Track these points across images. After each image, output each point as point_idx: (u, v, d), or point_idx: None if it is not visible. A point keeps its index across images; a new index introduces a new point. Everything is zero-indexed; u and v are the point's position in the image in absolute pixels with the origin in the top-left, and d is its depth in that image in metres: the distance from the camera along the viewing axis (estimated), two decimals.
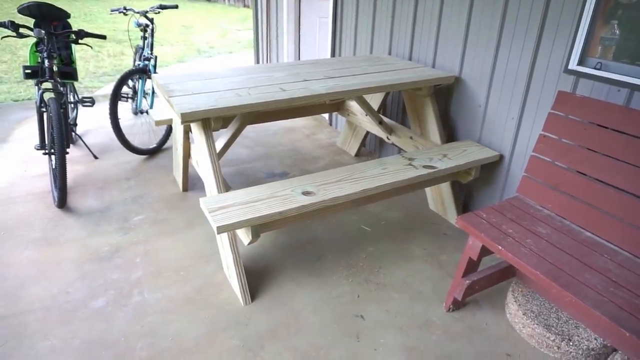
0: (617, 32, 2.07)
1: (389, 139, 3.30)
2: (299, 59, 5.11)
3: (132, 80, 4.24)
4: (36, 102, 3.12)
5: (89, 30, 9.42)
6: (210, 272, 2.46)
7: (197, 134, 2.36)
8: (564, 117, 2.15)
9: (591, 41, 2.16)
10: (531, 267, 1.76)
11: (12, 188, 3.23)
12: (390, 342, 2.05)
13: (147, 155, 3.81)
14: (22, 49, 8.20)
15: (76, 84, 5.90)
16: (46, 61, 3.04)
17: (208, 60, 8.46)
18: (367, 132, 3.77)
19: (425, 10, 3.04)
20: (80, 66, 7.23)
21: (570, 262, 1.80)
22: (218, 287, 2.35)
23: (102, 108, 4.85)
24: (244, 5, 17.15)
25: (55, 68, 3.10)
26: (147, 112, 4.01)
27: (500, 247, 1.88)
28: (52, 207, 3.01)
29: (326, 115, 4.78)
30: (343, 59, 3.19)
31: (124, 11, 3.94)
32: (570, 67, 2.23)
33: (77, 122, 4.30)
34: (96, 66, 7.38)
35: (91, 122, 4.52)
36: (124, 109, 4.80)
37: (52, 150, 3.01)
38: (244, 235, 2.14)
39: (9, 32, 7.96)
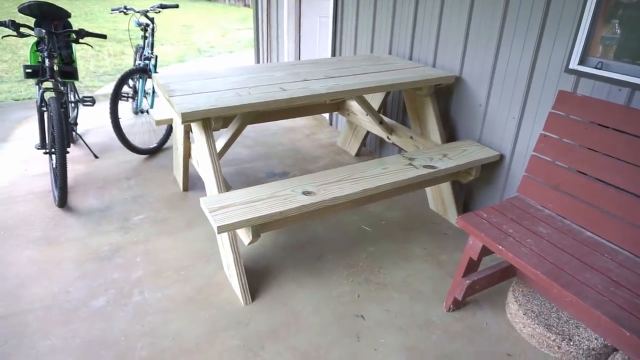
0: (618, 31, 2.06)
1: (389, 139, 3.30)
2: (299, 58, 5.10)
3: (132, 79, 4.24)
4: (37, 102, 3.12)
5: (90, 30, 9.42)
6: (210, 272, 2.46)
7: (197, 133, 2.36)
8: (565, 117, 2.14)
9: (592, 41, 2.16)
10: (532, 266, 1.76)
11: (13, 187, 3.23)
12: (390, 342, 2.05)
13: (147, 155, 3.81)
14: (23, 48, 8.20)
15: (77, 84, 5.90)
16: (47, 60, 3.05)
17: (208, 59, 8.46)
18: (368, 132, 3.76)
19: (426, 10, 3.03)
20: (81, 65, 7.23)
21: (570, 261, 1.80)
22: (218, 287, 2.35)
23: (103, 107, 4.85)
24: (245, 5, 17.15)
25: (55, 67, 3.11)
26: (147, 111, 4.01)
27: (500, 247, 1.87)
28: (53, 206, 3.01)
29: (326, 115, 4.78)
30: (343, 58, 3.19)
31: (125, 10, 3.94)
32: (571, 66, 2.22)
33: (78, 121, 4.31)
34: (97, 65, 7.38)
35: (92, 121, 4.52)
36: (125, 108, 4.80)
37: (53, 150, 3.01)
38: (244, 235, 2.14)
39: (10, 32, 7.96)
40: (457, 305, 2.24)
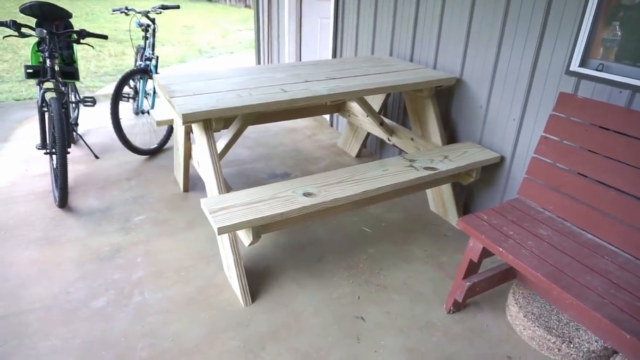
0: (619, 33, 2.06)
1: (389, 140, 3.30)
2: (300, 59, 5.11)
3: (133, 80, 4.25)
4: (38, 102, 3.12)
5: (91, 30, 9.43)
6: (211, 273, 2.46)
7: (198, 134, 2.36)
8: (566, 119, 2.15)
9: (593, 42, 2.16)
10: (532, 269, 1.76)
11: (13, 187, 3.23)
12: (390, 343, 2.05)
13: (148, 156, 3.82)
14: (24, 49, 8.21)
15: (77, 84, 5.91)
16: (48, 61, 3.05)
17: (209, 60, 8.46)
18: (368, 133, 3.77)
19: (427, 11, 3.04)
20: (82, 66, 7.24)
21: (571, 264, 1.80)
22: (219, 288, 2.35)
23: (103, 108, 4.86)
24: (245, 6, 17.16)
25: (56, 68, 3.11)
26: (148, 112, 4.01)
27: (501, 249, 1.87)
28: (53, 206, 3.02)
29: (327, 116, 4.78)
30: (344, 59, 3.19)
31: (126, 11, 3.95)
32: (571, 68, 2.22)
33: (79, 121, 4.31)
34: (97, 66, 7.39)
35: (92, 121, 4.52)
36: (125, 109, 4.80)
37: (53, 150, 3.01)
38: (244, 236, 2.14)
39: (11, 32, 7.97)
40: (458, 307, 2.24)
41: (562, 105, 2.17)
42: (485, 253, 2.03)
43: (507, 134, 2.64)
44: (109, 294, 2.29)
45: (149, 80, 3.93)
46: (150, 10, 4.04)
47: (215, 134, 3.86)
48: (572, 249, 1.89)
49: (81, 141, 4.02)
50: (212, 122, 2.31)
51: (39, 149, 3.24)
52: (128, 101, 4.05)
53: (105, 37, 3.28)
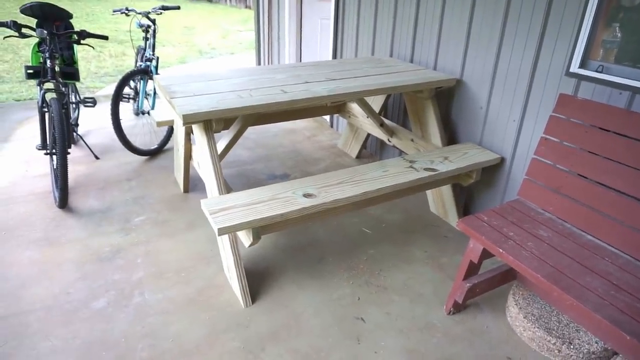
0: (619, 34, 2.07)
1: (390, 141, 3.31)
2: (301, 60, 5.11)
3: (133, 81, 4.25)
4: (38, 102, 3.13)
5: (91, 31, 9.43)
6: (211, 274, 2.46)
7: (198, 135, 2.36)
8: (566, 120, 2.15)
9: (593, 44, 2.16)
10: (532, 270, 1.76)
11: (14, 188, 3.23)
12: (390, 344, 2.05)
13: (148, 156, 3.82)
14: (24, 49, 8.21)
15: (78, 84, 5.91)
16: (48, 61, 3.05)
17: (209, 61, 8.46)
18: (368, 134, 3.77)
19: (427, 12, 3.04)
20: (82, 66, 7.24)
21: (571, 265, 1.80)
22: (219, 289, 2.35)
23: (104, 108, 4.86)
24: (246, 7, 17.17)
25: (57, 68, 3.11)
26: (148, 113, 4.02)
27: (501, 250, 1.88)
28: (53, 207, 3.02)
29: (327, 117, 4.78)
30: (344, 60, 3.20)
31: (126, 12, 3.95)
32: (571, 70, 2.23)
33: (79, 122, 4.31)
34: (98, 66, 7.39)
35: (93, 122, 4.52)
36: (126, 109, 4.80)
37: (54, 151, 3.01)
38: (244, 237, 2.14)
39: (12, 32, 7.98)
40: (458, 308, 2.24)
41: (562, 106, 2.17)
42: (486, 254, 2.03)
43: (507, 135, 2.64)
44: (109, 294, 2.29)
45: (150, 81, 3.93)
46: (150, 11, 4.04)
47: (215, 134, 3.86)
48: (572, 250, 1.89)
49: (81, 142, 4.02)
50: (212, 123, 2.31)
51: (39, 149, 3.24)
52: (128, 102, 4.05)
53: (105, 37, 3.28)
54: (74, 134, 3.88)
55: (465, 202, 3.04)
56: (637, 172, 1.87)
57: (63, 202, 2.94)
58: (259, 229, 2.07)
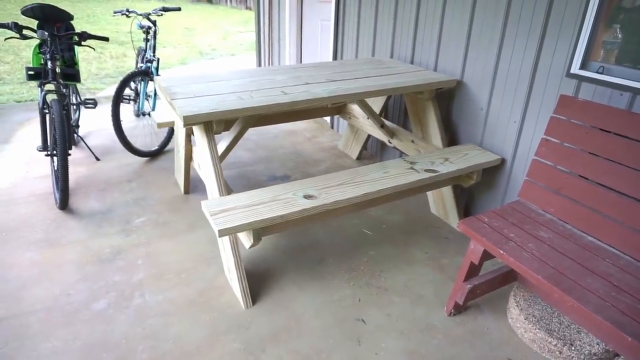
0: (619, 36, 2.07)
1: (390, 143, 3.31)
2: (301, 61, 5.11)
3: (134, 82, 4.25)
4: (39, 104, 3.13)
5: (92, 32, 9.45)
6: (211, 275, 2.46)
7: (199, 136, 2.36)
8: (566, 121, 2.15)
9: (593, 45, 2.16)
10: (533, 271, 1.76)
11: (14, 189, 3.24)
12: (391, 346, 2.05)
13: (148, 158, 3.82)
14: (25, 50, 8.22)
15: (78, 86, 5.92)
16: (49, 63, 3.05)
17: (210, 62, 8.47)
18: (369, 136, 3.77)
19: (428, 13, 3.04)
20: (83, 68, 7.25)
21: (572, 266, 1.80)
22: (219, 290, 2.35)
23: (104, 110, 4.86)
24: (246, 8, 17.19)
25: (58, 70, 3.11)
26: (149, 114, 4.02)
27: (501, 252, 1.87)
28: (54, 208, 3.02)
29: (328, 118, 4.78)
30: (345, 62, 3.20)
31: (127, 13, 3.96)
32: (572, 71, 2.23)
33: (79, 123, 4.31)
34: (98, 68, 7.40)
35: (93, 123, 4.53)
36: (126, 111, 4.81)
37: (54, 152, 3.02)
38: (245, 239, 2.14)
39: (13, 34, 8.00)
40: (459, 309, 2.24)
41: (562, 107, 2.17)
42: (486, 255, 2.03)
43: (507, 136, 2.64)
44: (109, 296, 2.29)
45: (150, 82, 3.94)
46: (151, 12, 4.04)
47: (216, 136, 3.86)
48: (573, 251, 1.89)
49: (82, 143, 4.02)
50: (213, 124, 2.31)
51: (40, 150, 3.24)
52: (129, 103, 4.06)
53: (106, 39, 3.28)
54: (75, 135, 3.88)
55: (466, 204, 3.03)
56: (638, 173, 1.86)
57: (64, 203, 2.94)
58: (259, 230, 2.07)
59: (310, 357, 1.98)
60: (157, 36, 4.06)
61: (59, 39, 3.10)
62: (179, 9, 4.19)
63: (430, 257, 2.67)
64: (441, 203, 3.02)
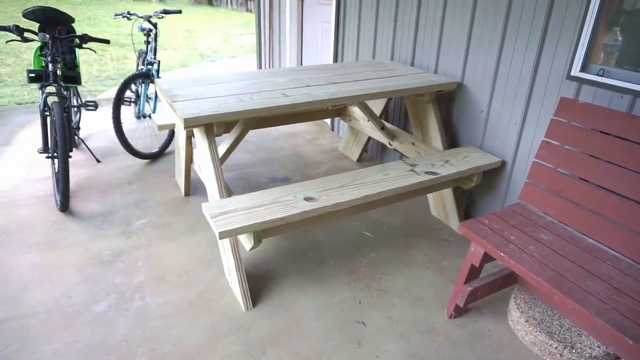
0: (620, 38, 2.07)
1: (390, 145, 3.31)
2: (302, 64, 5.12)
3: (135, 84, 4.26)
4: (40, 106, 3.13)
5: (93, 35, 9.46)
6: (212, 277, 2.46)
7: (199, 139, 2.36)
8: (567, 124, 2.15)
9: (594, 48, 2.16)
10: (533, 273, 1.76)
11: (15, 191, 3.24)
12: (391, 348, 2.05)
13: (149, 160, 3.82)
14: (26, 53, 8.24)
15: (79, 88, 5.93)
16: (50, 65, 3.06)
17: (211, 64, 8.49)
18: (369, 138, 3.77)
19: (428, 16, 3.05)
20: (84, 70, 7.27)
21: (572, 269, 1.80)
22: (220, 292, 2.35)
23: (105, 112, 4.87)
24: (247, 10, 17.22)
25: (59, 72, 3.12)
26: (149, 116, 4.02)
27: (502, 254, 1.87)
28: (55, 210, 3.02)
29: (328, 121, 4.79)
30: (345, 64, 3.20)
31: (128, 16, 3.97)
32: (572, 73, 2.23)
33: (80, 125, 4.32)
34: (99, 70, 7.41)
35: (94, 125, 4.53)
36: (127, 113, 4.81)
37: (55, 154, 3.02)
38: (245, 241, 2.14)
39: (14, 36, 8.01)
40: (459, 312, 2.24)
41: (563, 110, 2.17)
42: (487, 258, 2.03)
43: (508, 138, 2.64)
44: (110, 298, 2.29)
45: (151, 85, 3.94)
46: (152, 14, 4.05)
47: (216, 138, 3.86)
48: (574, 254, 1.89)
49: (83, 145, 4.02)
50: (213, 126, 2.31)
51: (40, 152, 3.25)
52: (130, 105, 4.06)
53: (107, 41, 3.29)
54: (76, 137, 3.89)
55: (466, 206, 3.03)
56: (638, 175, 1.86)
57: (64, 205, 2.94)
58: (260, 233, 2.07)
59: (310, 359, 1.98)
60: (158, 38, 4.06)
61: (60, 42, 3.11)
62: (179, 12, 4.19)
63: (431, 260, 2.67)
64: (441, 205, 3.02)
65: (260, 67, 6.07)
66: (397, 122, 3.60)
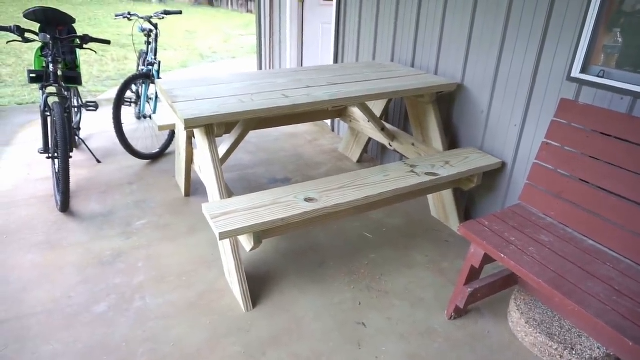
0: (620, 40, 2.07)
1: (391, 146, 3.31)
2: (302, 65, 5.12)
3: (135, 85, 4.26)
4: (40, 106, 3.14)
5: (94, 35, 9.46)
6: (212, 278, 2.46)
7: (200, 139, 2.36)
8: (567, 125, 2.15)
9: (594, 49, 2.16)
10: (534, 275, 1.76)
11: (16, 191, 3.24)
12: (391, 349, 2.05)
13: (149, 160, 3.83)
14: (27, 53, 8.25)
15: (80, 88, 5.93)
16: (51, 66, 3.06)
17: (211, 65, 8.49)
18: (369, 139, 3.77)
19: (428, 16, 3.05)
20: (84, 70, 7.27)
21: (572, 270, 1.80)
22: (220, 293, 2.35)
23: (106, 112, 4.87)
24: (247, 11, 17.24)
25: (59, 72, 3.12)
26: (150, 117, 4.02)
27: (502, 255, 1.87)
28: (55, 210, 3.02)
29: (328, 121, 4.79)
30: (346, 65, 3.21)
31: (129, 16, 3.97)
32: (573, 74, 2.23)
33: (81, 126, 4.32)
34: (100, 70, 7.42)
35: (94, 126, 4.53)
36: (128, 113, 4.82)
37: (56, 154, 3.02)
38: (246, 242, 2.14)
39: (15, 37, 8.01)
40: (459, 313, 2.24)
41: (563, 111, 2.17)
42: (487, 259, 2.03)
43: (508, 139, 2.64)
44: (110, 298, 2.29)
45: (151, 85, 3.95)
46: (153, 15, 4.05)
47: (216, 138, 3.86)
48: (574, 255, 1.89)
49: (83, 145, 4.03)
50: (214, 127, 2.31)
51: (41, 153, 3.25)
52: (130, 106, 4.06)
53: (108, 42, 3.29)
54: (76, 137, 3.89)
55: (467, 207, 3.03)
56: (638, 177, 1.86)
57: (65, 205, 2.94)
58: (260, 234, 2.07)
59: None
60: (159, 39, 4.06)
61: (60, 42, 3.11)
62: (180, 12, 4.20)
63: (431, 261, 2.67)
64: (442, 206, 3.02)
65: (260, 68, 6.08)
66: (398, 123, 3.60)
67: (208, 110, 2.16)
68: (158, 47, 4.09)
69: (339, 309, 2.27)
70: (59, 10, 3.28)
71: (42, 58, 3.25)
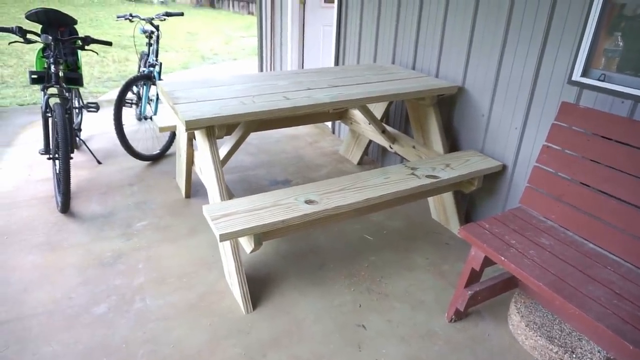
0: (621, 43, 2.08)
1: (391, 148, 3.31)
2: (303, 67, 5.13)
3: (136, 86, 4.27)
4: (42, 107, 3.14)
5: (95, 37, 9.46)
6: (212, 280, 2.46)
7: (201, 141, 2.37)
8: (568, 128, 2.15)
9: (595, 53, 2.17)
10: (534, 278, 1.76)
11: (16, 192, 3.24)
12: (392, 352, 2.05)
13: (150, 161, 3.83)
14: (29, 54, 8.26)
15: (81, 89, 5.94)
16: (52, 67, 3.07)
17: (212, 67, 8.50)
18: (370, 141, 3.78)
19: (429, 19, 3.05)
20: (85, 71, 7.28)
21: (573, 273, 1.80)
22: (220, 295, 2.35)
23: (107, 113, 4.88)
24: (249, 13, 17.27)
25: (61, 74, 3.13)
26: (151, 118, 4.03)
27: (503, 258, 1.87)
28: (56, 211, 3.02)
29: (329, 124, 4.79)
30: (347, 67, 3.21)
31: (130, 18, 3.98)
32: (573, 78, 2.23)
33: (82, 127, 4.33)
34: (101, 71, 7.43)
35: (95, 127, 4.54)
36: (128, 114, 4.82)
37: (57, 155, 3.03)
38: (246, 243, 2.14)
39: (17, 38, 8.03)
40: (459, 315, 2.24)
41: (564, 114, 2.17)
42: (487, 262, 2.03)
43: (509, 142, 2.64)
44: (110, 299, 2.29)
45: (152, 87, 3.95)
46: (154, 17, 4.06)
47: (217, 140, 3.87)
48: (575, 258, 1.89)
49: (84, 146, 4.03)
50: (215, 128, 2.32)
51: (42, 154, 3.25)
52: (131, 107, 4.07)
53: (109, 43, 3.30)
54: (77, 138, 3.90)
55: (467, 210, 3.03)
56: (639, 180, 1.87)
57: (65, 206, 2.94)
58: (260, 235, 2.07)
59: None
60: (160, 40, 4.07)
61: (62, 43, 3.12)
62: (181, 14, 4.21)
63: (431, 263, 2.66)
64: (442, 209, 3.02)
65: (261, 70, 6.08)
66: (398, 126, 3.61)
67: (209, 112, 2.16)
68: (159, 49, 4.10)
69: (339, 311, 2.27)
70: (60, 12, 3.29)
71: (44, 59, 3.26)
